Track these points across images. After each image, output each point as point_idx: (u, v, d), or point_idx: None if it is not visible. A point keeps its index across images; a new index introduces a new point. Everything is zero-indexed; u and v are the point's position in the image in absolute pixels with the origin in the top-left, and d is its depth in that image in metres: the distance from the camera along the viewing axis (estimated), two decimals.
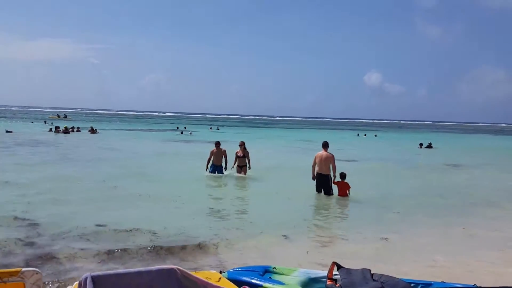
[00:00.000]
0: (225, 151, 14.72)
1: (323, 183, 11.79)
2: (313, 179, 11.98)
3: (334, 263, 4.28)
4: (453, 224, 8.98)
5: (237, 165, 14.61)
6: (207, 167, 14.61)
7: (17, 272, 2.55)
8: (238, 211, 10.10)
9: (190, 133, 44.18)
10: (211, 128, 62.95)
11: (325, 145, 11.95)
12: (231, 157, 14.85)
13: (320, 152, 11.89)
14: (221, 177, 14.40)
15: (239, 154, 14.62)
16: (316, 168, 11.85)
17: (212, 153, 14.67)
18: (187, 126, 62.54)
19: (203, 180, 14.01)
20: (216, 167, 14.59)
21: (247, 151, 14.63)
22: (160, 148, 26.91)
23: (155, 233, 7.43)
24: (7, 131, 35.44)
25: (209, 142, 33.29)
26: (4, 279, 2.47)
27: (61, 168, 15.75)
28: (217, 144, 14.77)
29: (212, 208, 10.16)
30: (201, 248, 6.79)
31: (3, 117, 79.85)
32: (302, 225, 8.70)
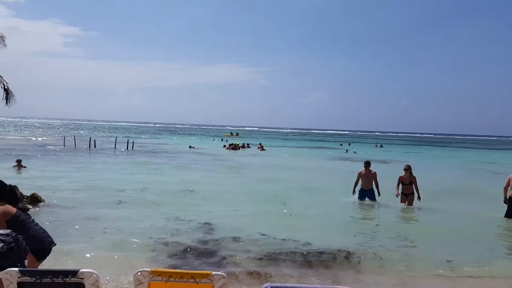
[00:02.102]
0: (375, 173, 12.60)
1: None
2: (505, 202, 10.98)
3: None
4: None
5: (402, 193, 12.24)
6: (354, 191, 12.71)
7: (208, 274, 2.80)
8: (398, 240, 9.05)
9: (355, 152, 43.13)
10: (376, 145, 60.69)
11: None
12: (386, 181, 12.85)
13: None
14: (377, 203, 12.33)
15: (404, 181, 12.24)
16: (509, 192, 10.79)
17: (360, 175, 12.65)
18: (350, 143, 61.60)
19: (357, 204, 12.44)
20: (365, 192, 12.57)
21: (414, 176, 12.25)
22: (323, 166, 26.86)
23: (310, 247, 7.51)
24: (190, 147, 40.21)
25: (373, 160, 32.10)
26: (197, 280, 2.79)
27: (230, 181, 16.94)
28: (367, 164, 12.76)
29: (369, 233, 9.41)
30: (353, 268, 6.73)
31: (189, 134, 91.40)
32: (476, 260, 7.28)
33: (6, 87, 9.01)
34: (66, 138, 37.38)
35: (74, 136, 38.42)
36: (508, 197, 10.85)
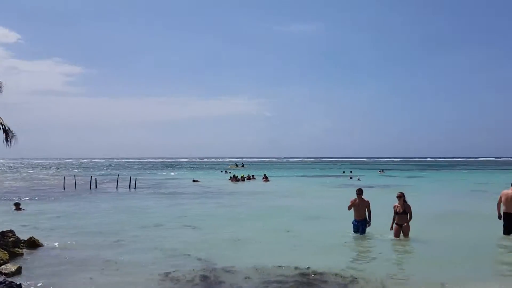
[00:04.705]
0: (368, 202, 11.76)
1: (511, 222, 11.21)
2: (499, 218, 11.48)
3: None
4: None
5: (396, 223, 11.28)
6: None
7: None
8: (393, 268, 9.06)
9: (358, 179, 42.86)
10: (380, 171, 60.57)
11: None
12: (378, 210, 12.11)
13: (506, 190, 11.37)
14: (369, 235, 11.62)
15: (397, 210, 11.26)
16: (503, 208, 11.30)
17: (352, 203, 11.79)
18: (352, 171, 61.40)
19: (351, 235, 11.79)
20: (359, 223, 11.73)
21: (408, 205, 11.25)
22: (326, 194, 26.81)
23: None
24: (193, 181, 40.03)
25: (377, 186, 32.14)
26: None
27: (231, 213, 16.95)
28: (359, 192, 11.89)
29: (364, 262, 9.33)
30: None
31: (191, 167, 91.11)
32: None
33: (6, 128, 9.01)
34: (65, 178, 37.09)
35: (75, 176, 37.97)
36: (502, 213, 11.35)
